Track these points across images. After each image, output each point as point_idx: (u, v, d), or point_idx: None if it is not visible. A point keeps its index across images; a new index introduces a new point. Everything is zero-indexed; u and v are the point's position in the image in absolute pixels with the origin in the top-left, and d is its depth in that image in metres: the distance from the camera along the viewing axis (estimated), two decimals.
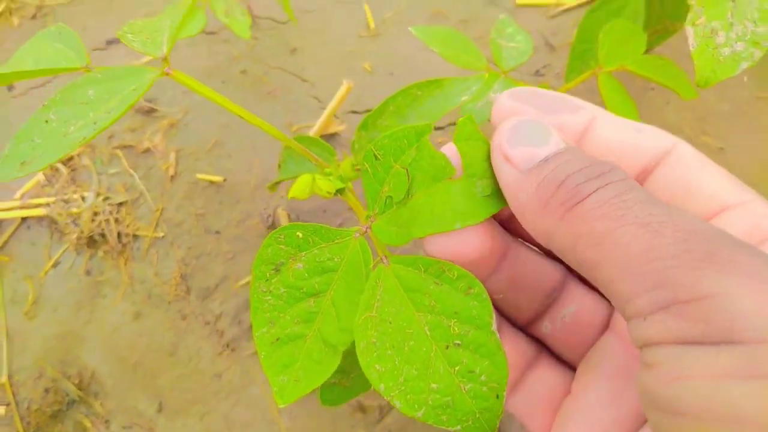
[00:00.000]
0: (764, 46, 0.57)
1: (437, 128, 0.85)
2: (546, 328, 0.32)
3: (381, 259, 0.29)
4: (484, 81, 0.66)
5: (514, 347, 0.31)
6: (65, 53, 0.40)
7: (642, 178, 0.27)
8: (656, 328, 0.19)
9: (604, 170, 0.23)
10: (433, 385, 0.27)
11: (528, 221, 0.25)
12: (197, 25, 0.67)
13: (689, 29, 0.61)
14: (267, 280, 0.30)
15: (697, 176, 0.25)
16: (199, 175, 0.85)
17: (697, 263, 0.19)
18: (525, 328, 0.32)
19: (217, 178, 0.84)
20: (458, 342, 0.27)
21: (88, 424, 0.82)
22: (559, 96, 0.27)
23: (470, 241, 0.27)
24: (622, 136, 0.26)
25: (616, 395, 0.27)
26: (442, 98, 0.63)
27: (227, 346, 0.80)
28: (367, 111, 0.87)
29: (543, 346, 0.33)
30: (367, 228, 0.31)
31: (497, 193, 0.27)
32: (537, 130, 0.25)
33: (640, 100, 0.82)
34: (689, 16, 0.61)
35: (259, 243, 0.82)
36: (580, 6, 0.91)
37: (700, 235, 0.20)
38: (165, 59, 0.36)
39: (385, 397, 0.26)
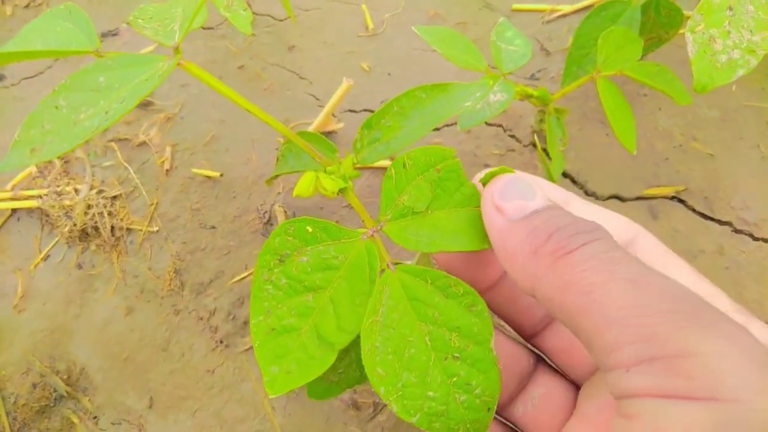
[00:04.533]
0: (759, 54, 0.59)
1: (434, 129, 0.86)
2: (518, 410, 0.33)
3: (387, 265, 0.30)
4: (487, 87, 0.67)
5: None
6: (76, 35, 0.39)
7: None
8: (639, 380, 0.20)
9: (591, 227, 0.25)
10: (430, 393, 0.28)
11: (515, 268, 0.26)
12: (201, 17, 0.67)
13: (689, 36, 0.62)
14: (270, 269, 0.30)
15: (659, 267, 0.26)
16: (195, 170, 0.85)
17: (683, 322, 0.20)
18: (499, 412, 0.34)
19: (214, 173, 0.84)
20: (457, 355, 0.28)
21: (76, 420, 0.81)
22: (537, 182, 0.30)
23: None
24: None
25: None
26: (446, 102, 0.64)
27: (221, 342, 0.79)
28: (365, 110, 0.88)
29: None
30: (374, 231, 0.32)
31: None
32: (526, 186, 0.28)
33: (632, 106, 0.83)
34: (689, 24, 0.63)
35: (254, 239, 0.82)
36: (575, 12, 0.92)
37: (683, 298, 0.21)
38: (177, 49, 0.36)
39: (384, 400, 0.27)
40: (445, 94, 0.61)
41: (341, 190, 0.43)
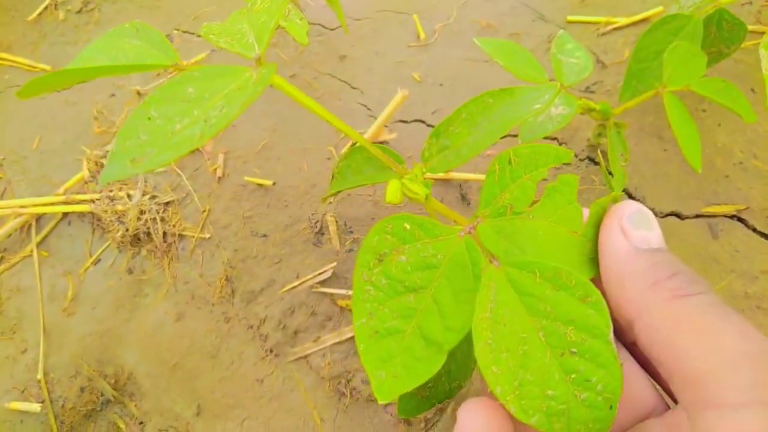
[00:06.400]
0: None
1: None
2: None
3: (491, 260, 0.29)
4: (556, 90, 0.67)
5: None
6: (148, 51, 0.39)
7: None
8: (752, 420, 0.21)
9: (706, 283, 0.26)
10: (549, 392, 0.26)
11: (624, 294, 0.27)
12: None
13: (762, 52, 0.61)
14: (370, 269, 0.30)
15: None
16: (248, 178, 0.85)
17: None
18: None
19: (266, 182, 0.84)
20: (574, 350, 0.27)
21: (122, 425, 0.82)
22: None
23: None
24: None
25: None
26: (513, 106, 0.64)
27: (270, 351, 0.79)
28: (416, 120, 0.87)
29: None
30: (472, 228, 0.31)
31: (596, 260, 0.29)
32: (649, 219, 0.29)
33: None
34: (764, 40, 0.61)
35: (306, 248, 0.81)
36: (631, 24, 0.91)
37: None
38: (260, 60, 0.36)
39: (500, 401, 0.26)
40: (513, 99, 0.60)
41: (426, 196, 0.42)
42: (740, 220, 0.77)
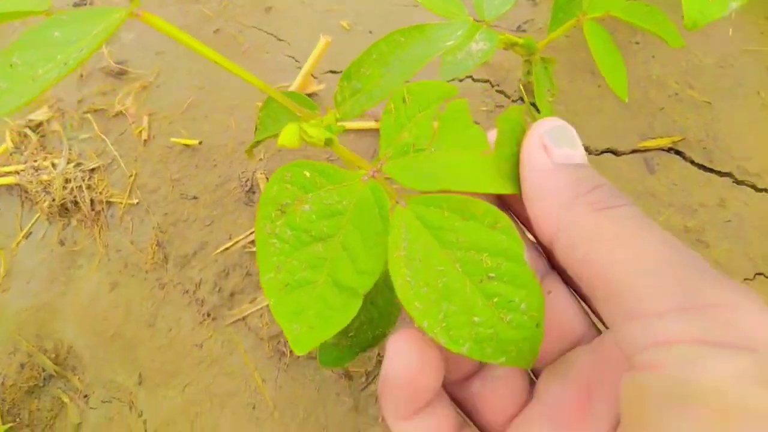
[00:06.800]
0: None
1: None
2: (474, 387, 0.32)
3: (397, 201, 0.29)
4: (469, 26, 0.64)
5: (445, 414, 0.30)
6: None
7: None
8: (674, 326, 0.20)
9: (628, 196, 0.25)
10: (475, 319, 0.26)
11: (543, 209, 0.26)
12: None
13: None
14: (272, 221, 0.29)
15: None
16: (174, 139, 0.82)
17: (717, 281, 0.21)
18: (456, 386, 0.33)
19: (193, 142, 0.81)
20: (492, 274, 0.27)
21: (66, 400, 0.80)
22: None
23: None
24: None
25: None
26: (425, 43, 0.62)
27: (207, 315, 0.78)
28: None
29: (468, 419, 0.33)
30: (375, 171, 0.30)
31: (516, 178, 0.29)
32: (574, 138, 0.28)
33: (624, 55, 0.80)
34: None
35: (237, 208, 0.79)
36: None
37: (706, 264, 0.22)
38: None
39: (429, 334, 0.26)
40: (425, 36, 0.58)
41: (327, 141, 0.41)
42: (677, 152, 0.75)
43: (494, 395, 0.31)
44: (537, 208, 0.27)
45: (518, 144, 0.29)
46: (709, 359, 0.19)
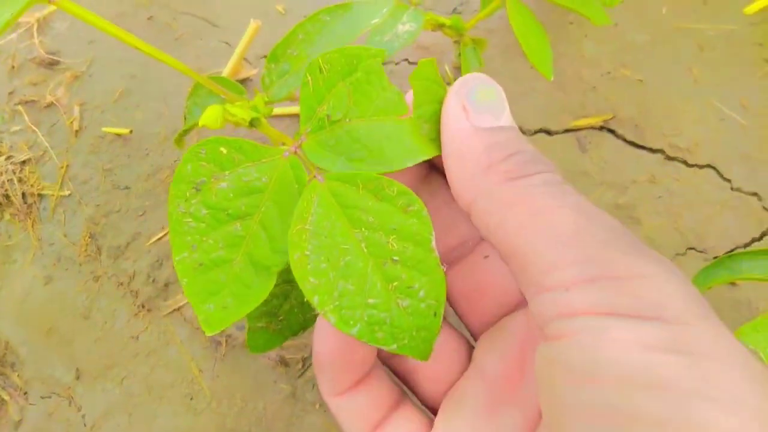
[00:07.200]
0: None
1: None
2: (410, 361, 0.32)
3: (315, 176, 0.28)
4: (394, 4, 0.64)
5: (382, 387, 0.30)
6: None
7: None
8: (581, 298, 0.20)
9: (548, 162, 0.25)
10: (370, 300, 0.26)
11: (461, 176, 0.25)
12: None
13: None
14: (186, 200, 0.28)
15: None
16: (105, 128, 0.81)
17: (628, 249, 0.20)
18: (393, 358, 0.32)
19: (123, 131, 0.80)
20: (396, 258, 0.26)
21: (6, 397, 0.79)
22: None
23: None
24: None
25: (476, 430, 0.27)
26: (350, 22, 0.61)
27: (143, 306, 0.76)
28: None
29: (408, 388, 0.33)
30: (296, 147, 0.29)
31: (439, 139, 0.27)
32: (499, 98, 0.26)
33: (558, 34, 0.80)
34: None
35: None
36: None
37: (624, 231, 0.22)
38: None
39: (319, 311, 0.25)
40: (350, 14, 0.57)
41: (253, 121, 0.40)
42: (610, 130, 0.76)
43: (431, 365, 0.30)
44: (454, 174, 0.25)
45: (439, 101, 0.27)
46: (614, 330, 0.19)
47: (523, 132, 0.75)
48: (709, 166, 0.73)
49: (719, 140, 0.74)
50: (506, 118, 0.26)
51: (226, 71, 0.77)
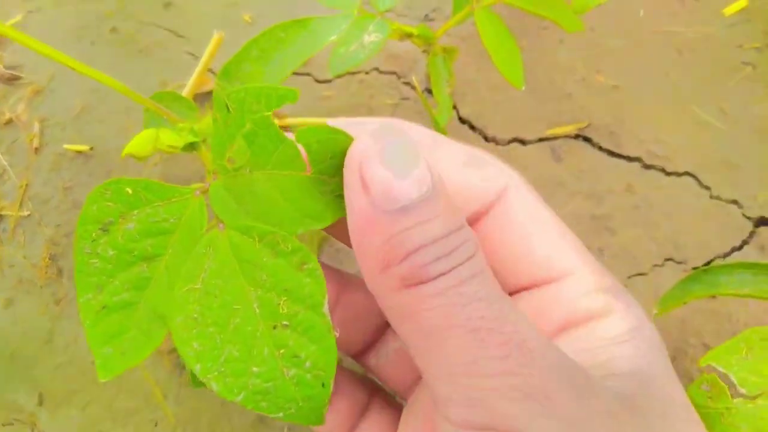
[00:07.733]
0: None
1: (324, 81, 0.79)
2: (371, 361, 0.31)
3: (217, 223, 0.26)
4: (353, 19, 0.61)
5: (350, 395, 0.30)
6: None
7: (473, 219, 0.26)
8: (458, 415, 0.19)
9: (456, 244, 0.20)
10: (255, 369, 0.24)
11: (361, 265, 0.22)
12: None
13: None
14: (93, 240, 0.26)
15: (525, 232, 0.25)
16: (66, 146, 0.78)
17: (517, 393, 0.19)
18: (356, 358, 0.32)
19: (83, 147, 0.77)
20: (286, 323, 0.24)
21: None
22: (416, 133, 0.26)
23: None
24: (459, 175, 0.25)
25: None
26: (309, 39, 0.59)
27: None
28: None
29: (376, 389, 0.32)
30: (207, 186, 0.27)
31: (342, 198, 0.24)
32: (407, 158, 0.20)
33: (532, 41, 0.77)
34: None
35: None
36: None
37: (524, 352, 0.19)
38: None
39: (201, 378, 0.24)
40: (307, 30, 0.55)
41: (190, 146, 0.37)
42: (585, 139, 0.73)
43: (393, 367, 0.30)
44: (359, 261, 0.22)
45: (343, 153, 0.24)
46: None
47: (497, 142, 0.72)
48: (687, 173, 0.71)
49: (698, 146, 0.72)
50: (419, 188, 0.20)
51: (189, 85, 0.74)
